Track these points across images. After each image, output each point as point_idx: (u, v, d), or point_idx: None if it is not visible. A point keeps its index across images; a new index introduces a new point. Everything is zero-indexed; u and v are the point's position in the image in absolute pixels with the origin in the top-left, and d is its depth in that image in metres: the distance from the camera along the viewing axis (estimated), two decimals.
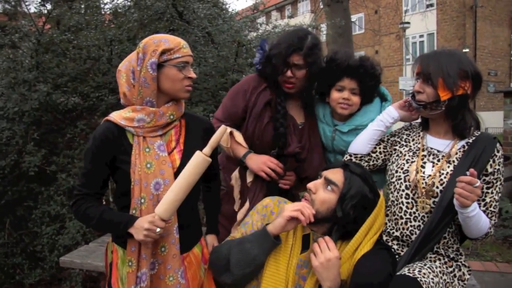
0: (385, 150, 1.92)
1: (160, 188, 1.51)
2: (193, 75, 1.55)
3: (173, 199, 1.45)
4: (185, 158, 1.56)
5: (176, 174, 1.51)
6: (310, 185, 1.62)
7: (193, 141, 1.63)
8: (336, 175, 1.61)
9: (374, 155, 1.93)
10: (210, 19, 4.25)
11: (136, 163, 1.48)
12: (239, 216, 2.00)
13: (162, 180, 1.51)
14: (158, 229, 1.43)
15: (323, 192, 1.59)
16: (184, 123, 1.65)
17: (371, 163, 1.94)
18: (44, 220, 3.38)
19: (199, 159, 1.48)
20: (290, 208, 1.53)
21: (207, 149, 1.51)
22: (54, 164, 3.49)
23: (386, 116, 1.89)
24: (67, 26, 3.93)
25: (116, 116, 1.52)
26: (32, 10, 4.02)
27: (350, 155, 1.94)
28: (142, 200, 1.49)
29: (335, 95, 2.00)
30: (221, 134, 1.54)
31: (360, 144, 1.92)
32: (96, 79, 3.72)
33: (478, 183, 1.43)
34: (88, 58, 3.78)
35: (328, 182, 1.60)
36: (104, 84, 3.73)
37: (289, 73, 1.89)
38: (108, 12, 4.58)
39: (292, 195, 2.12)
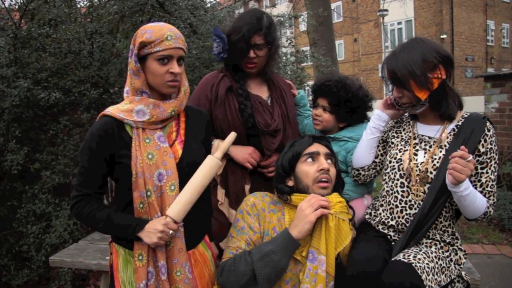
0: (384, 150, 1.94)
1: (163, 179, 1.48)
2: (176, 70, 1.46)
3: (187, 201, 1.46)
4: (187, 148, 1.56)
5: (179, 165, 1.51)
6: (326, 166, 1.66)
7: (194, 132, 1.62)
8: (324, 148, 1.72)
9: (377, 160, 1.94)
10: (192, 10, 4.18)
11: (137, 155, 1.44)
12: (221, 207, 2.00)
13: (165, 171, 1.48)
14: (171, 232, 1.43)
15: (332, 168, 1.69)
16: (184, 114, 1.63)
17: (377, 168, 1.96)
18: (29, 219, 3.30)
19: (213, 163, 1.52)
20: (311, 211, 1.54)
21: (218, 154, 1.55)
22: (38, 161, 3.41)
23: (377, 122, 1.89)
24: (45, 20, 3.82)
25: (113, 110, 1.48)
26: (7, 4, 3.88)
27: (357, 169, 1.96)
28: (148, 193, 1.45)
29: (313, 111, 2.18)
30: (232, 139, 1.60)
31: (363, 156, 1.93)
32: (78, 73, 3.62)
33: (470, 157, 1.45)
34: (69, 52, 3.68)
35: (329, 156, 1.71)
36: (86, 78, 3.64)
37: (251, 53, 1.93)
38: (84, 6, 4.48)
39: None
